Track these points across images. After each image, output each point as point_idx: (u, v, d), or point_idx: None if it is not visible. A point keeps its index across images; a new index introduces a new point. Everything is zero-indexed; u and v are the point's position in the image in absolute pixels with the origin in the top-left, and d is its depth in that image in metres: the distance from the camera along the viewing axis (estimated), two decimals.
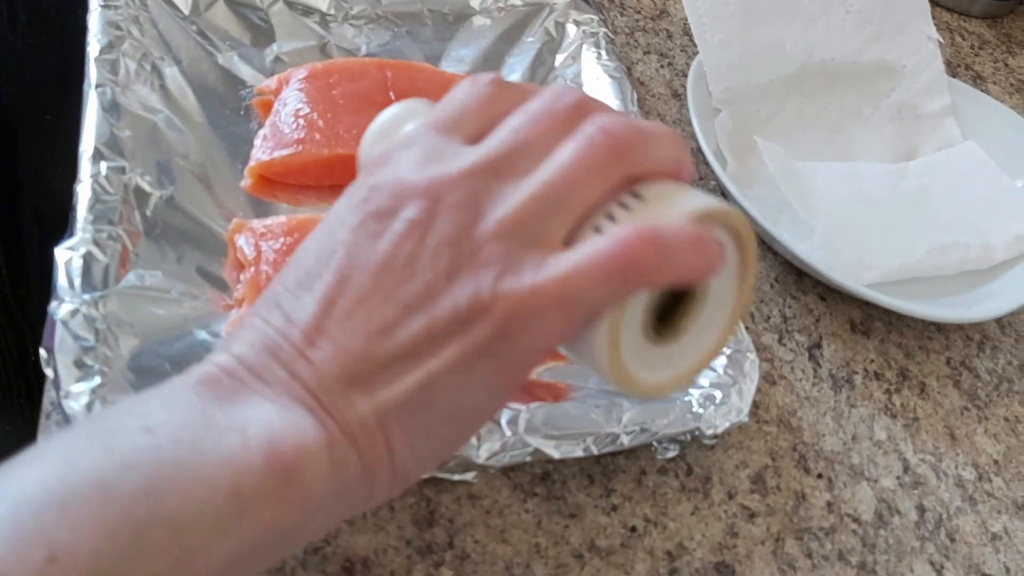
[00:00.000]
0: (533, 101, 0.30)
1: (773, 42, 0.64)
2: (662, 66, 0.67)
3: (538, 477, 0.43)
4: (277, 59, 0.57)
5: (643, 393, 0.30)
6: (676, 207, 0.28)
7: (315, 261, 0.29)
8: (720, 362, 0.46)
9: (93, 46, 0.50)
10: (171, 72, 0.52)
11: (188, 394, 0.27)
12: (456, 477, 0.41)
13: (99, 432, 0.26)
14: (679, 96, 0.65)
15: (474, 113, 0.30)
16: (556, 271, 0.27)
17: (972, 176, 0.61)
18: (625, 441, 0.42)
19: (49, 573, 0.23)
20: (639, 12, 0.71)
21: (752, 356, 0.46)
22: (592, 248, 0.27)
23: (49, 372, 0.38)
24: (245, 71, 0.55)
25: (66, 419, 0.37)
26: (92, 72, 0.49)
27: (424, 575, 0.39)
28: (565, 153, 0.28)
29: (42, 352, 0.39)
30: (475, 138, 0.30)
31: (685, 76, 0.67)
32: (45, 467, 0.25)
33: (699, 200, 0.29)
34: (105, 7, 0.52)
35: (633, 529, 0.43)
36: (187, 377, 0.28)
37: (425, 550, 0.40)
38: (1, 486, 0.25)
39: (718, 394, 0.44)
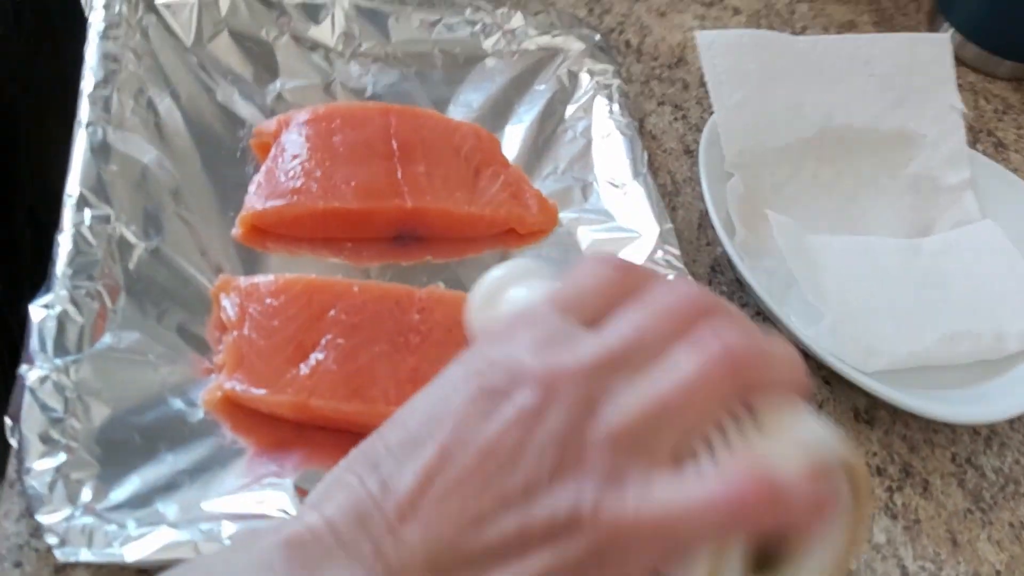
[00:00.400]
0: (654, 294, 0.29)
1: (792, 104, 0.62)
2: (676, 119, 0.65)
3: None
4: (279, 97, 0.55)
5: None
6: (795, 443, 0.26)
7: (421, 426, 0.27)
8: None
9: (87, 80, 0.48)
10: (167, 108, 0.50)
11: (274, 559, 0.26)
12: None
13: None
14: (691, 153, 0.63)
15: (594, 297, 0.29)
16: (662, 500, 0.25)
17: (988, 258, 0.59)
18: None
19: None
20: (656, 59, 0.69)
21: None
22: (703, 485, 0.25)
23: (14, 442, 0.36)
24: (245, 109, 0.53)
25: (28, 496, 0.35)
26: (84, 109, 0.47)
27: None
28: (685, 366, 0.27)
29: (7, 420, 0.37)
30: (592, 321, 0.29)
31: (698, 131, 0.65)
32: None
33: (817, 436, 0.27)
34: (104, 37, 0.50)
35: None
36: (276, 535, 0.27)
37: None
38: None
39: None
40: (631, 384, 0.27)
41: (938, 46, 0.64)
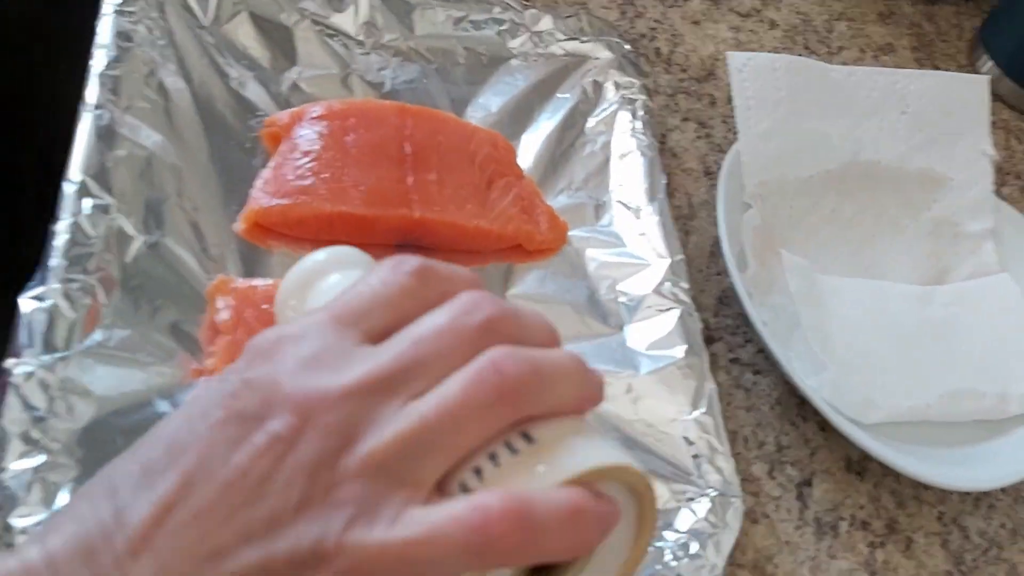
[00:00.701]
0: (443, 310, 0.27)
1: (819, 135, 0.60)
2: (699, 137, 0.64)
3: None
4: (295, 86, 0.53)
5: None
6: (563, 464, 0.25)
7: (165, 453, 0.25)
8: (704, 505, 0.43)
9: (98, 59, 0.47)
10: (179, 92, 0.49)
11: None
12: None
13: None
14: (711, 174, 0.62)
15: (383, 308, 0.28)
16: (409, 531, 0.24)
17: (1000, 314, 0.58)
18: None
19: None
20: (685, 71, 0.67)
21: (737, 503, 0.44)
22: (450, 513, 0.24)
23: None
24: (259, 96, 0.52)
25: (3, 493, 0.35)
26: (92, 91, 0.46)
27: None
28: (451, 388, 0.26)
29: None
30: (377, 335, 0.27)
31: (721, 152, 0.63)
32: None
33: (592, 454, 0.26)
34: (120, 13, 0.49)
35: None
36: (3, 565, 0.25)
37: None
38: None
39: (695, 545, 0.42)
40: (397, 409, 0.26)
41: (976, 88, 0.62)
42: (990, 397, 0.54)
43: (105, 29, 0.48)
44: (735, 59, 0.59)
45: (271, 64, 0.53)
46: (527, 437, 0.26)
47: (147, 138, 0.46)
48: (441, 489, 0.26)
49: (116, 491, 0.25)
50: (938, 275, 0.61)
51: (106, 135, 0.45)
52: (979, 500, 0.53)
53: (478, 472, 0.26)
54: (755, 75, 0.59)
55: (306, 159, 0.48)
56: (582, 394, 0.27)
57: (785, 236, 0.58)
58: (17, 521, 0.35)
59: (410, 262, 0.28)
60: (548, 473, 0.25)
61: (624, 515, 0.27)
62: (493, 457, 0.26)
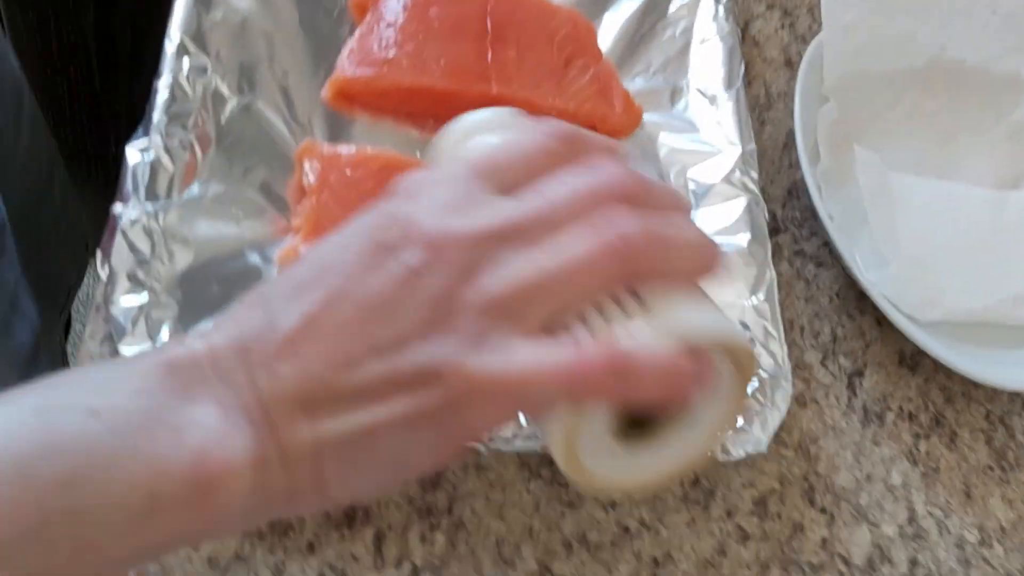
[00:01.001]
0: (577, 171, 0.30)
1: (905, 31, 0.59)
2: (783, 26, 0.63)
3: (546, 460, 0.44)
4: None
5: (600, 490, 0.30)
6: (667, 326, 0.28)
7: (314, 273, 0.29)
8: (752, 384, 0.45)
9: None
10: None
11: (150, 378, 0.28)
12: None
13: (47, 406, 0.27)
14: (791, 65, 0.62)
15: (521, 165, 0.31)
16: (515, 363, 0.28)
17: None
18: None
19: None
20: None
21: (787, 384, 0.46)
22: (553, 353, 0.27)
23: (103, 274, 0.40)
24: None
25: (112, 324, 0.39)
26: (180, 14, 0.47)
27: (419, 535, 0.41)
28: (572, 243, 0.28)
29: (98, 254, 0.40)
30: (513, 188, 0.30)
31: (804, 42, 0.63)
32: (9, 413, 0.26)
33: (698, 322, 0.28)
34: None
35: (626, 529, 0.44)
36: (159, 355, 0.29)
37: (425, 512, 0.42)
38: None
39: (741, 419, 0.44)
40: (519, 255, 0.29)
41: None
42: None
43: None
44: None
45: None
46: (637, 296, 0.29)
47: (241, 2, 0.48)
48: (548, 331, 0.28)
49: (270, 302, 0.29)
50: (1014, 180, 0.60)
51: (198, 76, 0.46)
52: None
53: (585, 321, 0.28)
54: None
55: (390, 30, 0.49)
56: (697, 263, 0.30)
57: (862, 130, 0.58)
58: (125, 349, 0.38)
59: (556, 126, 0.31)
60: (650, 330, 0.28)
61: (721, 380, 0.29)
62: (601, 310, 0.28)
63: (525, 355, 0.28)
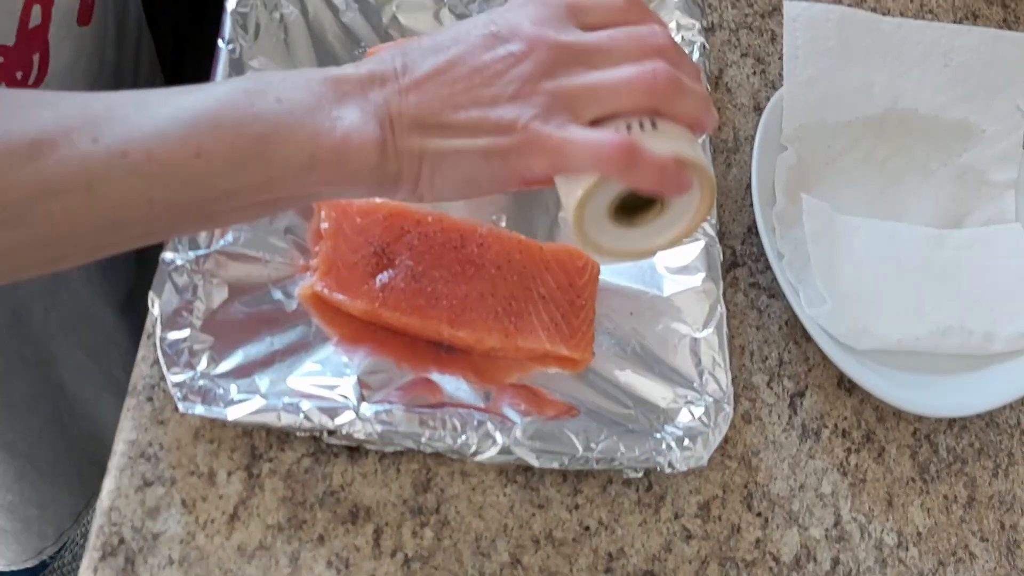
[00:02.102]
0: (636, 28, 0.42)
1: (862, 83, 0.66)
2: (755, 72, 0.70)
3: (521, 468, 0.52)
4: (393, 18, 0.62)
5: (591, 249, 0.44)
6: (668, 145, 0.41)
7: (448, 41, 0.41)
8: (700, 408, 0.53)
9: None
10: (296, 25, 0.58)
11: (317, 84, 0.40)
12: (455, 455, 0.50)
13: (253, 89, 0.39)
14: (760, 110, 0.68)
15: (603, 14, 0.43)
16: (566, 134, 0.40)
17: (1005, 260, 0.64)
18: (594, 466, 0.50)
19: (194, 165, 0.38)
20: (752, 6, 0.73)
21: (728, 408, 0.54)
22: (594, 135, 0.40)
23: (154, 312, 0.48)
24: (362, 28, 0.61)
25: (160, 353, 0.48)
26: (227, 27, 0.55)
27: (411, 531, 0.50)
28: (622, 71, 0.40)
29: (151, 296, 0.48)
30: (591, 27, 0.42)
31: (773, 88, 0.70)
32: (212, 95, 0.39)
33: (684, 148, 0.41)
34: None
35: (587, 528, 0.52)
36: (324, 72, 0.41)
37: (416, 511, 0.50)
38: (185, 98, 0.39)
39: (687, 441, 0.52)
40: (584, 68, 0.41)
41: (1020, 46, 0.67)
42: (977, 335, 0.61)
43: None
44: (791, 8, 0.65)
45: None
46: (654, 123, 0.41)
47: (269, 68, 0.55)
48: (592, 123, 0.41)
49: (408, 54, 0.41)
50: (957, 218, 0.67)
51: (236, 67, 0.54)
52: (954, 421, 0.62)
53: (616, 128, 0.41)
54: (808, 25, 0.65)
55: None
56: (699, 115, 0.42)
57: (818, 174, 0.65)
58: (172, 378, 0.47)
59: None
60: (657, 145, 0.40)
61: (693, 192, 0.43)
62: (628, 124, 0.41)
63: (573, 131, 0.40)
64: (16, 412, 0.71)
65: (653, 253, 0.48)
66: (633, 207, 0.44)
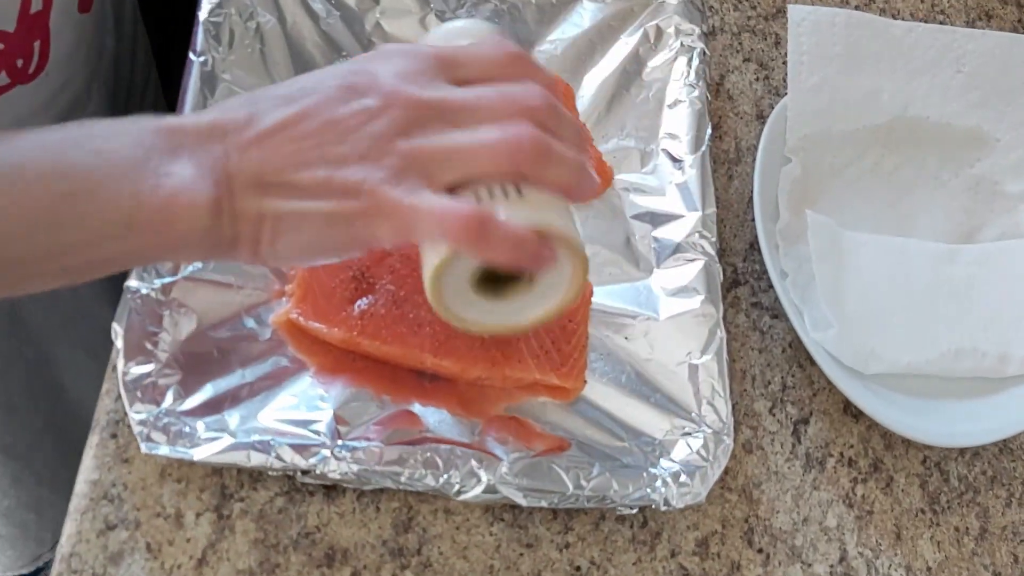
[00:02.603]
0: (509, 85, 0.39)
1: (870, 89, 0.63)
2: (758, 79, 0.67)
3: (508, 506, 0.50)
4: (377, 25, 0.59)
5: (455, 322, 0.42)
6: (528, 215, 0.38)
7: (300, 91, 0.38)
8: (698, 440, 0.50)
9: (204, 7, 0.53)
10: (273, 36, 0.55)
11: (147, 135, 0.37)
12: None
13: (73, 138, 0.36)
14: (763, 118, 0.65)
15: (475, 69, 0.39)
16: (415, 200, 0.36)
17: (1021, 277, 0.61)
18: (585, 504, 0.48)
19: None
20: (755, 8, 0.69)
21: (728, 440, 0.51)
22: (441, 203, 0.37)
23: (119, 344, 0.45)
24: (344, 36, 0.58)
25: (123, 389, 0.45)
26: (198, 38, 0.52)
27: (391, 574, 0.47)
28: (488, 134, 0.37)
29: (115, 326, 0.46)
30: (464, 82, 0.39)
31: (777, 95, 0.66)
32: (23, 144, 0.36)
33: (546, 219, 0.38)
34: None
35: (578, 568, 0.49)
36: (158, 121, 0.37)
37: (396, 552, 0.48)
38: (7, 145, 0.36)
39: (684, 476, 0.49)
40: (444, 129, 0.37)
41: None
42: (991, 357, 0.58)
43: None
44: (795, 12, 0.62)
45: (357, 4, 0.59)
46: (519, 190, 0.38)
47: (243, 83, 0.53)
48: (446, 189, 0.38)
49: (257, 103, 0.38)
50: (969, 232, 0.64)
51: (208, 80, 0.51)
52: (965, 448, 0.59)
53: (476, 195, 0.38)
54: (813, 29, 0.62)
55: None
56: (572, 184, 0.39)
57: (823, 187, 0.62)
58: (134, 415, 0.44)
59: (511, 47, 0.40)
60: (516, 214, 0.37)
61: (561, 267, 0.40)
62: (490, 191, 0.38)
63: (424, 197, 0.37)
64: (15, 414, 0.69)
65: (525, 330, 0.45)
66: (501, 279, 0.41)
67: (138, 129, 0.37)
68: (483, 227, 0.36)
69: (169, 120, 0.37)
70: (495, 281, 0.41)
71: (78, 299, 0.68)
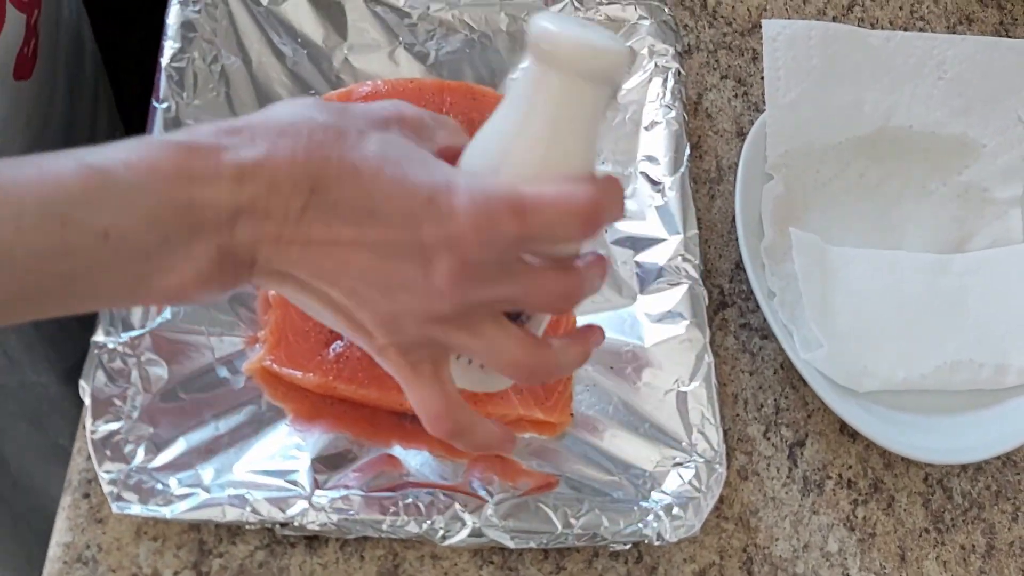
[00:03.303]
0: (573, 288, 0.39)
1: (851, 101, 0.62)
2: (736, 95, 0.66)
3: (496, 549, 0.48)
4: (345, 61, 0.58)
5: None
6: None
7: (384, 201, 0.34)
8: (690, 470, 0.49)
9: (166, 52, 0.52)
10: (239, 78, 0.54)
11: (172, 212, 0.32)
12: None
13: (69, 217, 0.31)
14: (743, 135, 0.64)
15: (432, 129, 0.39)
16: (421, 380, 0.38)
17: (1015, 284, 0.60)
18: (575, 543, 0.46)
19: None
20: (730, 24, 0.68)
21: (720, 469, 0.49)
22: (427, 405, 0.38)
23: (87, 401, 0.44)
24: (312, 76, 0.57)
25: (93, 447, 0.44)
26: (161, 85, 0.51)
27: None
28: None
29: (82, 383, 0.44)
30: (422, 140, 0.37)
31: (756, 111, 0.65)
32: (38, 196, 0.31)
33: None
34: (183, 3, 0.54)
35: None
36: (189, 192, 0.32)
37: None
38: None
39: (677, 508, 0.48)
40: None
41: (1018, 53, 0.62)
42: (988, 368, 0.57)
43: (173, 20, 0.53)
44: (770, 27, 0.61)
45: (324, 40, 0.58)
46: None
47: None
48: None
49: (321, 187, 0.33)
50: (960, 241, 0.63)
51: (174, 126, 0.51)
52: (968, 463, 0.57)
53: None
54: (789, 44, 0.61)
55: None
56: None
57: (808, 202, 0.61)
58: (103, 474, 0.43)
59: (410, 112, 0.38)
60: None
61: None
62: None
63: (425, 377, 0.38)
64: None
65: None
66: None
67: (157, 201, 0.32)
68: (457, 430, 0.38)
69: (199, 188, 0.32)
70: None
71: (17, 368, 0.66)
